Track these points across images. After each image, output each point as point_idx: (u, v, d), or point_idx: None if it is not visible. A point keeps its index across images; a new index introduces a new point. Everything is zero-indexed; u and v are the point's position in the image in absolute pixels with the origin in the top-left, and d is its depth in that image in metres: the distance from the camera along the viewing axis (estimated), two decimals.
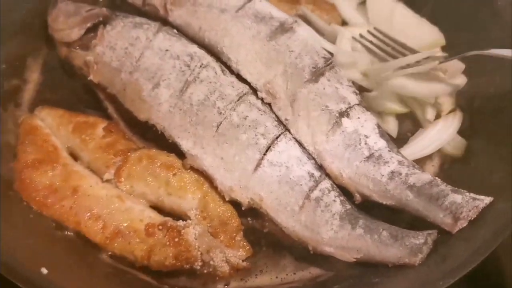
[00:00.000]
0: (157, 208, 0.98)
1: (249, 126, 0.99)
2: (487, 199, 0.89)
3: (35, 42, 1.25)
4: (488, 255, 0.81)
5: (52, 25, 1.21)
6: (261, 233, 0.99)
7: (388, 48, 1.20)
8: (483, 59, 1.06)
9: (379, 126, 1.03)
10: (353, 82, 1.12)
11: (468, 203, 0.88)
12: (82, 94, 1.20)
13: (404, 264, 0.86)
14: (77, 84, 1.21)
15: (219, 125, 0.99)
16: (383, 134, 1.02)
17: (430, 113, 1.18)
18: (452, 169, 1.10)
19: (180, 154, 1.01)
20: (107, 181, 0.99)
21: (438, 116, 1.18)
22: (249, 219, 0.98)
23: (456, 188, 0.91)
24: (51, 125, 1.07)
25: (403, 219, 0.97)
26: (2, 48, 1.16)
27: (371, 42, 1.22)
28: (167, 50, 1.08)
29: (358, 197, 0.98)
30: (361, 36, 1.23)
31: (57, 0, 1.24)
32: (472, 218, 0.87)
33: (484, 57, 1.05)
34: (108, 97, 1.14)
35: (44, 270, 0.79)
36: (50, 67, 1.24)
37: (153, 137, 1.06)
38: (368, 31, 1.23)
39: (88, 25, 1.16)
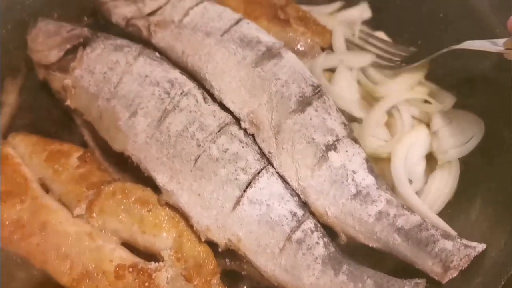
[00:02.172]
0: (130, 246, 0.92)
1: (229, 160, 0.93)
2: (479, 247, 0.83)
3: (14, 62, 1.20)
4: None
5: (30, 45, 1.16)
6: (240, 276, 0.93)
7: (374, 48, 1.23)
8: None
9: (367, 161, 0.97)
10: (343, 112, 1.07)
11: (459, 251, 0.82)
12: (60, 119, 1.15)
13: None
14: (55, 108, 1.16)
15: (197, 158, 0.93)
16: (372, 169, 0.96)
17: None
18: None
19: (157, 188, 0.96)
20: (78, 216, 0.93)
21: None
22: (227, 260, 0.93)
23: (447, 232, 0.85)
24: (24, 153, 1.02)
25: (392, 260, 0.92)
26: None
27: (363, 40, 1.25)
28: (146, 76, 1.03)
29: (343, 238, 0.93)
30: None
31: (38, 19, 1.20)
32: (463, 268, 0.81)
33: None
34: (85, 124, 1.09)
35: None
36: (28, 89, 1.19)
37: (130, 167, 1.01)
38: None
39: (68, 46, 1.12)
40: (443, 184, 1.06)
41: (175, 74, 1.04)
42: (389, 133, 1.14)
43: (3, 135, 1.10)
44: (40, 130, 1.10)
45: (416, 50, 1.21)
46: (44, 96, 1.18)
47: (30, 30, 1.18)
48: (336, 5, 1.40)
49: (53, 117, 1.16)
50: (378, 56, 1.21)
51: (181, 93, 1.00)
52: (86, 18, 1.34)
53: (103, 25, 1.23)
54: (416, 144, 1.09)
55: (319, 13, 1.37)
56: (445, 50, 1.06)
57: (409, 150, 1.08)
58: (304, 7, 1.35)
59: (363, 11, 1.34)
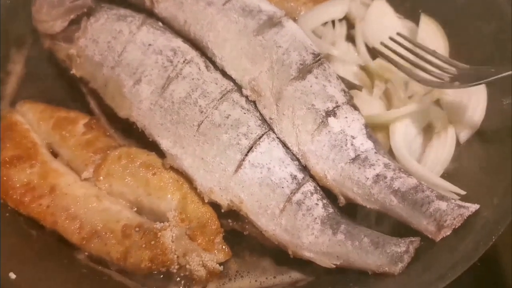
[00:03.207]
0: (136, 208, 0.96)
1: (231, 125, 0.96)
2: (472, 207, 0.86)
3: (19, 33, 1.22)
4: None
5: (35, 16, 1.18)
6: (242, 236, 0.96)
7: (412, 56, 1.06)
8: None
9: (366, 126, 0.99)
10: (343, 79, 1.08)
11: (453, 211, 0.85)
12: (66, 87, 1.17)
13: (384, 273, 0.84)
14: (61, 77, 1.18)
15: (200, 124, 0.96)
16: (371, 135, 0.99)
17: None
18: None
19: (161, 153, 0.99)
20: (86, 179, 0.97)
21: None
22: (229, 221, 0.96)
23: (442, 194, 0.88)
24: (32, 120, 1.05)
25: (389, 222, 0.95)
26: None
27: (393, 51, 1.08)
28: (150, 44, 1.05)
29: (342, 200, 0.95)
30: (382, 44, 1.11)
31: None
32: (457, 227, 0.84)
33: None
34: (91, 92, 1.11)
35: (12, 275, 0.77)
36: (34, 59, 1.22)
37: (135, 133, 1.04)
38: (391, 38, 1.10)
39: (72, 16, 1.13)
40: (441, 151, 1.08)
41: (178, 42, 1.06)
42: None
43: (11, 104, 1.13)
44: (47, 98, 1.13)
45: (471, 67, 1.01)
46: (49, 65, 1.20)
47: (34, 1, 1.20)
48: None
49: (59, 86, 1.18)
50: (425, 70, 1.03)
51: (183, 61, 1.02)
52: None
53: None
54: (413, 119, 1.10)
55: None
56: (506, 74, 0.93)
57: (407, 126, 1.10)
58: None
59: None
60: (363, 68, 1.19)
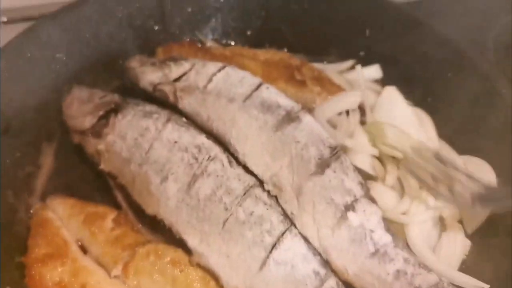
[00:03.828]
0: None
1: (255, 222, 1.00)
2: None
3: (50, 126, 1.29)
4: None
5: (66, 111, 1.25)
6: None
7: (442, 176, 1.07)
8: None
9: (384, 220, 1.03)
10: (360, 170, 1.13)
11: None
12: (94, 181, 1.22)
13: None
14: (90, 170, 1.24)
15: (225, 221, 1.00)
16: (389, 227, 1.02)
17: None
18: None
19: (186, 249, 1.02)
20: (115, 277, 1.00)
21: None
22: None
23: None
24: (62, 215, 1.10)
25: None
26: (16, 138, 1.19)
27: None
28: (175, 141, 1.10)
29: None
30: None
31: (72, 86, 1.29)
32: None
33: None
34: (118, 186, 1.16)
35: None
36: (64, 152, 1.27)
37: (162, 228, 1.08)
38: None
39: (101, 113, 1.20)
40: (452, 247, 1.11)
41: (202, 139, 1.12)
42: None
43: (41, 197, 1.18)
44: (75, 191, 1.18)
45: (495, 188, 1.04)
46: (78, 159, 1.25)
47: (65, 97, 1.27)
48: (347, 64, 1.48)
49: (87, 179, 1.22)
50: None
51: (208, 158, 1.08)
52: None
53: (130, 88, 1.32)
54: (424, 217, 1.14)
55: (331, 71, 1.46)
56: None
57: (420, 228, 1.13)
58: (317, 65, 1.44)
59: (374, 71, 1.42)
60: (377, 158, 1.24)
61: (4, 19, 1.64)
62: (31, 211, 1.12)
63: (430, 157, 1.13)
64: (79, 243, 1.07)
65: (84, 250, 1.06)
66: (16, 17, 1.63)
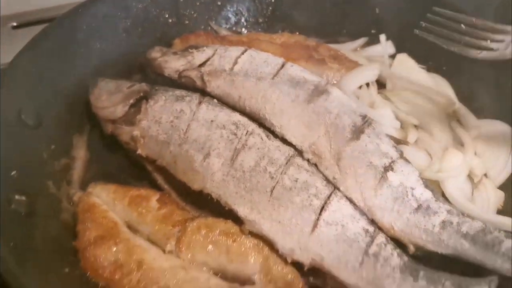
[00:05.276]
0: (220, 275, 1.00)
1: (301, 188, 1.03)
2: None
3: (79, 120, 1.30)
4: None
5: (95, 103, 1.27)
6: None
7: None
8: None
9: (421, 178, 1.07)
10: (390, 136, 1.17)
11: None
12: (129, 168, 1.24)
13: None
14: (122, 158, 1.26)
15: (273, 189, 1.03)
16: (427, 184, 1.06)
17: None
18: None
19: (235, 220, 1.05)
20: (169, 252, 1.01)
21: None
22: (310, 278, 1.01)
23: (509, 233, 0.95)
24: (107, 200, 1.11)
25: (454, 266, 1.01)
26: (50, 131, 1.20)
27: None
28: (212, 120, 1.13)
29: (412, 248, 1.01)
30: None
31: (97, 79, 1.31)
32: None
33: None
34: (157, 169, 1.18)
35: None
36: (96, 144, 1.29)
37: (206, 204, 1.10)
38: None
39: (131, 101, 1.22)
40: (486, 199, 1.16)
41: (237, 116, 1.15)
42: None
43: (80, 187, 1.19)
44: (112, 180, 1.18)
45: None
46: (110, 149, 1.27)
47: (92, 90, 1.29)
48: (360, 41, 1.53)
49: (122, 167, 1.25)
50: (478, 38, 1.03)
51: (246, 133, 1.10)
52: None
53: (153, 79, 1.35)
54: (457, 174, 1.20)
55: (345, 50, 1.50)
56: None
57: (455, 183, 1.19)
58: (332, 46, 1.49)
59: (387, 47, 1.47)
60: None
61: (14, 23, 1.65)
62: (74, 199, 1.13)
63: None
64: (128, 225, 1.08)
65: (133, 231, 1.07)
66: (26, 21, 1.64)
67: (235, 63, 1.25)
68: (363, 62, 1.44)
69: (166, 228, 1.04)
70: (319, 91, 1.16)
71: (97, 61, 1.40)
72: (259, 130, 1.12)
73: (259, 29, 1.58)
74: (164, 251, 1.02)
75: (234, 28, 1.59)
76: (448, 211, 1.01)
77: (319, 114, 1.13)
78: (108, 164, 1.26)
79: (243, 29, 1.60)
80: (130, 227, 1.08)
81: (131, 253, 1.00)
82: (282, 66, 1.23)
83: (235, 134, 1.10)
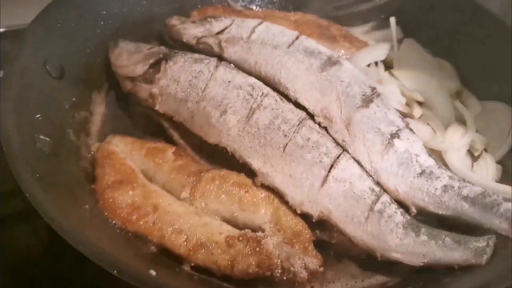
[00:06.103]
0: (231, 223, 1.05)
1: (312, 146, 1.08)
2: None
3: (98, 78, 1.35)
4: None
5: (115, 62, 1.31)
6: (329, 244, 1.06)
7: None
8: None
9: (425, 147, 1.13)
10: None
11: None
12: (145, 126, 1.29)
13: (470, 265, 0.94)
14: (138, 117, 1.31)
15: (286, 146, 1.08)
16: (431, 154, 1.12)
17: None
18: None
19: (248, 174, 1.10)
20: (183, 199, 1.06)
21: None
22: (317, 231, 1.06)
23: (508, 197, 1.01)
24: (124, 150, 1.16)
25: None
26: (71, 85, 1.25)
27: None
28: (229, 81, 1.18)
29: (414, 210, 1.07)
30: None
31: (118, 40, 1.36)
32: None
33: None
34: (173, 126, 1.23)
35: (153, 272, 0.85)
36: (112, 101, 1.34)
37: (220, 160, 1.15)
38: None
39: (151, 61, 1.27)
40: (485, 171, 1.23)
41: (253, 79, 1.20)
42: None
43: (99, 140, 1.24)
44: (129, 135, 1.24)
45: None
46: (127, 107, 1.32)
47: (112, 50, 1.34)
48: (370, 25, 1.59)
49: (137, 125, 1.30)
50: None
51: (261, 95, 1.16)
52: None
53: (171, 45, 1.40)
54: (460, 146, 1.26)
55: (356, 32, 1.56)
56: None
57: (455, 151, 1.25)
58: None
59: (396, 29, 1.53)
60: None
61: None
62: (92, 149, 1.18)
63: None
64: (144, 174, 1.13)
65: (148, 179, 1.12)
66: None
67: (252, 31, 1.31)
68: (372, 44, 1.49)
69: (181, 177, 1.09)
70: (332, 62, 1.22)
71: (118, 24, 1.44)
72: (273, 93, 1.18)
73: (273, 8, 1.63)
74: (178, 198, 1.06)
75: (248, 6, 1.65)
76: (450, 177, 1.07)
77: (332, 82, 1.18)
78: (125, 121, 1.31)
79: (257, 8, 1.65)
80: (146, 175, 1.12)
81: (147, 197, 1.05)
82: (297, 37, 1.29)
83: (251, 95, 1.16)
